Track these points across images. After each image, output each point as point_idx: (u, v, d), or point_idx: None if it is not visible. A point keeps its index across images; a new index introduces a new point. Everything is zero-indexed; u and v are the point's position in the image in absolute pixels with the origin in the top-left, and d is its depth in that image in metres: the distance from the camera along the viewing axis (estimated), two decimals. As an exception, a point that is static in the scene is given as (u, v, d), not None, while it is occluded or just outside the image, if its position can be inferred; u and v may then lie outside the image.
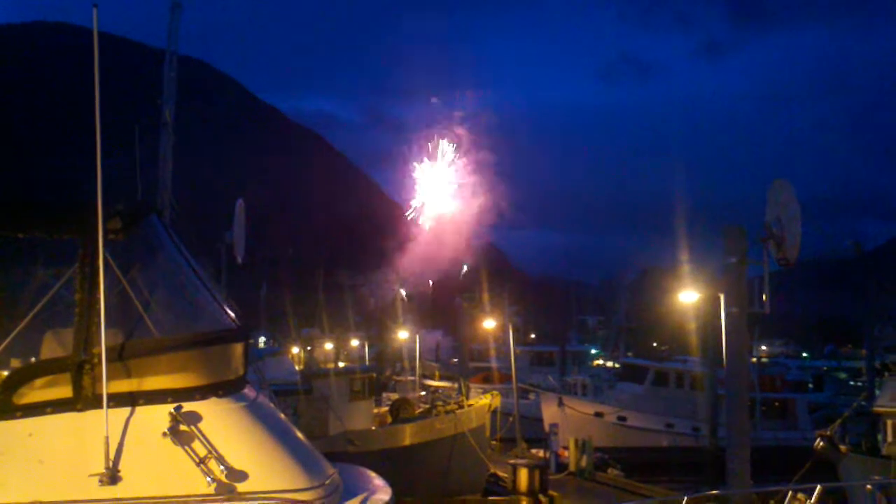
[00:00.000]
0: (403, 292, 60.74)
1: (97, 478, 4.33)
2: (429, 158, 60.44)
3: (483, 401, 27.62)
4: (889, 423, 23.12)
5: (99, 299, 4.53)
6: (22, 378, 4.55)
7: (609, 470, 29.51)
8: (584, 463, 27.92)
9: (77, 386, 4.51)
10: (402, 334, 57.33)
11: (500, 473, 26.68)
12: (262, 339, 61.63)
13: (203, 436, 4.50)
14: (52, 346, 4.93)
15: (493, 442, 31.46)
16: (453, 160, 60.28)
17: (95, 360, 4.50)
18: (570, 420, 36.55)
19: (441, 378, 51.13)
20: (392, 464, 18.68)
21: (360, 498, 5.37)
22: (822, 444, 21.31)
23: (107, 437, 4.37)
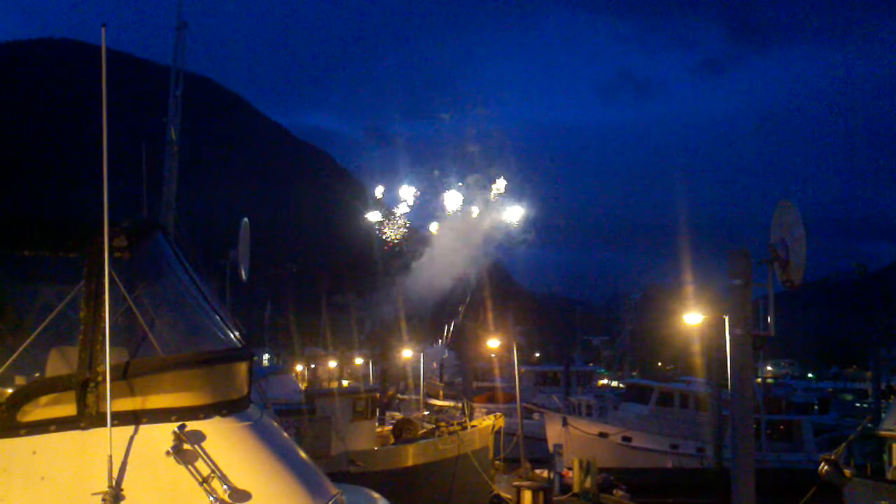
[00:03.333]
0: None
1: (100, 496, 4.32)
2: (430, 177, 60.55)
3: (486, 422, 27.58)
4: (895, 446, 22.97)
5: (104, 317, 4.53)
6: (26, 395, 4.55)
7: (614, 491, 29.39)
8: (588, 484, 27.78)
9: (81, 404, 4.51)
10: (406, 353, 57.26)
11: (504, 495, 26.60)
12: (265, 357, 61.58)
13: (206, 455, 4.49)
14: (56, 364, 4.94)
15: (497, 462, 31.36)
16: (454, 179, 60.39)
17: (100, 379, 4.50)
18: (575, 440, 36.41)
19: (445, 397, 51.01)
20: (395, 484, 18.66)
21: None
22: (826, 468, 21.19)
23: (110, 456, 4.36)
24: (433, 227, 60.27)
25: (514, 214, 57.46)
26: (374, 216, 59.50)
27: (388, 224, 58.99)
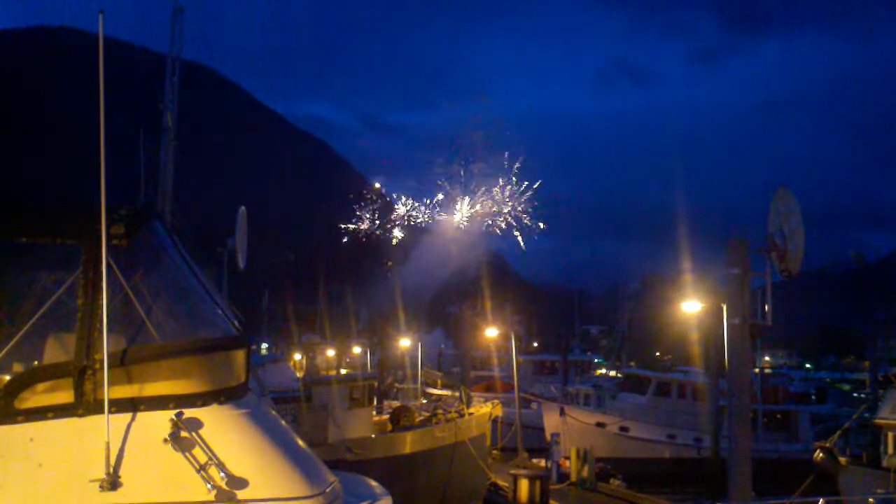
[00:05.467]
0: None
1: (97, 483, 4.33)
2: (428, 166, 60.47)
3: (483, 410, 27.60)
4: (890, 435, 23.04)
5: (101, 305, 4.53)
6: (24, 383, 4.56)
7: (611, 480, 29.50)
8: (585, 473, 27.86)
9: (79, 391, 4.52)
10: (405, 342, 57.32)
11: (501, 483, 26.66)
12: (264, 346, 61.63)
13: (204, 442, 4.50)
14: (54, 351, 4.94)
15: (495, 451, 31.42)
16: (452, 168, 60.33)
17: (97, 366, 4.51)
18: (572, 430, 36.47)
19: (443, 386, 51.07)
20: (392, 472, 18.68)
21: (360, 506, 5.36)
22: (821, 455, 21.26)
23: (108, 443, 4.37)
24: (430, 217, 60.32)
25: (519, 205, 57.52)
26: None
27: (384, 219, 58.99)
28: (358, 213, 60.91)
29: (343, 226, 60.00)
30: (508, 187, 58.34)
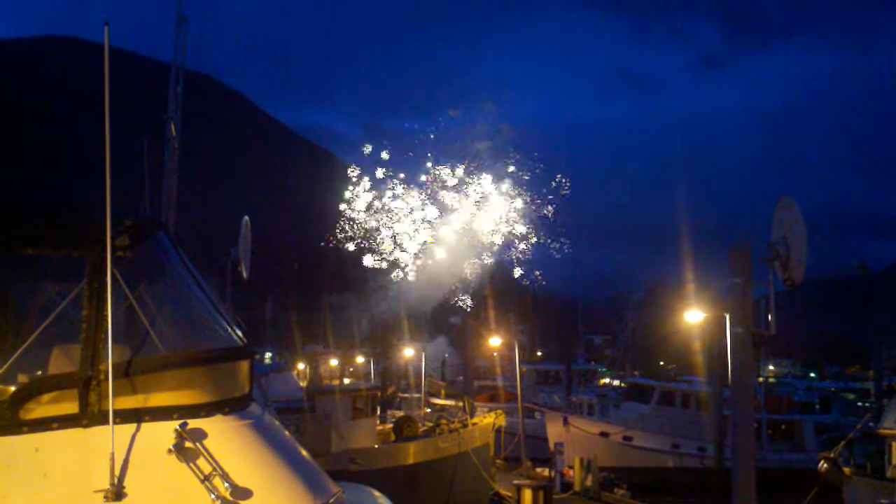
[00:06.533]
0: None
1: (102, 494, 4.34)
2: (431, 175, 60.25)
3: (487, 419, 27.61)
4: (895, 445, 22.97)
5: (106, 316, 4.54)
6: (29, 393, 4.57)
7: (615, 490, 29.43)
8: (589, 483, 27.83)
9: (83, 402, 4.53)
10: (408, 351, 57.24)
11: (504, 493, 26.63)
12: (267, 355, 61.64)
13: (208, 453, 4.50)
14: (59, 362, 4.95)
15: (498, 461, 31.39)
16: (459, 176, 60.14)
17: (102, 376, 4.52)
18: (576, 439, 36.42)
19: (446, 396, 51.02)
20: (395, 482, 18.68)
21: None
22: (825, 466, 21.20)
23: (112, 453, 4.38)
24: (434, 223, 60.10)
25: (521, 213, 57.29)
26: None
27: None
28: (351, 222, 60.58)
29: (334, 242, 59.77)
30: (520, 198, 58.07)
